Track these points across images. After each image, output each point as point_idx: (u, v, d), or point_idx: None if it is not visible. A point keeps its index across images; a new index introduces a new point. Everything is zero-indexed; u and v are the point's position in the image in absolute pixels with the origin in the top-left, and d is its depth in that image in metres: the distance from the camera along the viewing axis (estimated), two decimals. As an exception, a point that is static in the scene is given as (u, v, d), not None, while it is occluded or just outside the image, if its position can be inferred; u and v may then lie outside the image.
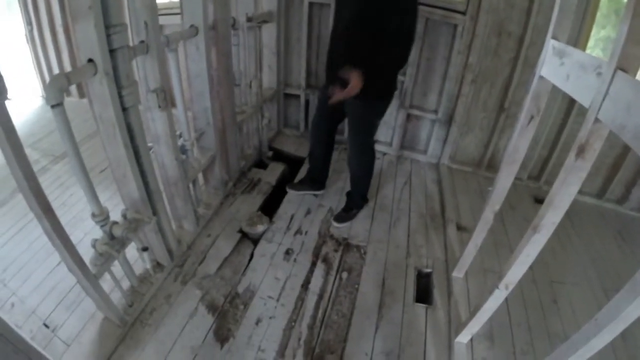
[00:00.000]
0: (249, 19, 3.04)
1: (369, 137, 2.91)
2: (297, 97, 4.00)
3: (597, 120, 1.12)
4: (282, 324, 2.23)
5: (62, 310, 2.24)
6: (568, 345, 1.19)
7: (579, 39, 2.87)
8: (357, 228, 2.97)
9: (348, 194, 3.16)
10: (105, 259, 1.94)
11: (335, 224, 2.99)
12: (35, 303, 2.29)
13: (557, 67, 1.50)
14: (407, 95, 3.61)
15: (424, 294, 2.49)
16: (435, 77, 3.48)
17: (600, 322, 1.06)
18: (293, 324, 2.24)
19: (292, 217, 3.02)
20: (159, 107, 2.14)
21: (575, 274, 2.67)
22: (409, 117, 3.73)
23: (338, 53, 2.57)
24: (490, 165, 3.71)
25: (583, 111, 1.19)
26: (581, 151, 1.24)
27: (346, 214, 3.07)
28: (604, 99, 1.08)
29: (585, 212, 3.27)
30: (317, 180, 3.29)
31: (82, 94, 5.10)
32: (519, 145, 1.88)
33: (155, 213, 2.24)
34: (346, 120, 3.01)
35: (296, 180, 3.44)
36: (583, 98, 1.24)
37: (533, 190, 3.54)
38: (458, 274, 2.52)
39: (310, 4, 3.49)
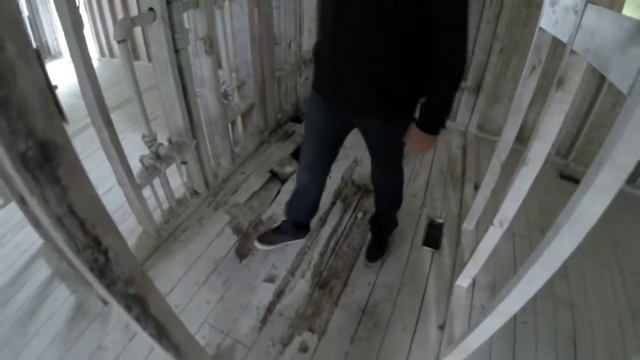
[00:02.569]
0: (289, -17, 3.20)
1: (402, 157, 2.09)
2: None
3: (572, 52, 1.20)
4: (296, 248, 2.43)
5: (106, 228, 2.58)
6: (535, 252, 1.30)
7: None
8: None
9: (374, 221, 2.45)
10: (150, 173, 2.19)
11: (369, 263, 2.36)
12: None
13: (550, 15, 1.57)
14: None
15: (432, 241, 2.57)
16: (465, 45, 3.48)
17: (560, 223, 1.16)
18: (307, 250, 2.43)
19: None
20: (206, 52, 2.36)
21: (589, 249, 2.61)
22: (439, 83, 3.76)
23: (363, 69, 1.60)
24: (518, 137, 3.56)
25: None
26: (561, 82, 1.34)
27: (380, 247, 2.43)
28: (576, 32, 1.16)
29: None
30: (302, 225, 2.46)
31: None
32: (522, 94, 2.00)
33: (195, 138, 2.49)
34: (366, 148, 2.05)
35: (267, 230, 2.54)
36: (564, 36, 1.30)
37: (560, 166, 3.47)
38: (468, 225, 2.60)
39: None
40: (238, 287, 2.21)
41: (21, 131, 0.60)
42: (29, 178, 0.65)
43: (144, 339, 2.00)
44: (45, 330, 2.22)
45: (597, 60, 1.01)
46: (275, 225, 2.51)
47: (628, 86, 0.78)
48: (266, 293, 2.19)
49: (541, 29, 1.73)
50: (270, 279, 2.25)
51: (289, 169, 3.07)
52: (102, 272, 0.87)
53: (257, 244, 2.42)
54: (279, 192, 2.89)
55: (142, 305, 1.05)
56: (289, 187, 2.91)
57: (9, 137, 0.59)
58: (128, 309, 1.00)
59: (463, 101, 3.75)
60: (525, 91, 1.95)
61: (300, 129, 3.71)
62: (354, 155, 3.30)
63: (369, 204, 2.79)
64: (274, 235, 2.44)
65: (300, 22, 3.64)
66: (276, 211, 2.70)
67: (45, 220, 0.72)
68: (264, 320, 2.08)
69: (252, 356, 1.94)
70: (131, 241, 2.39)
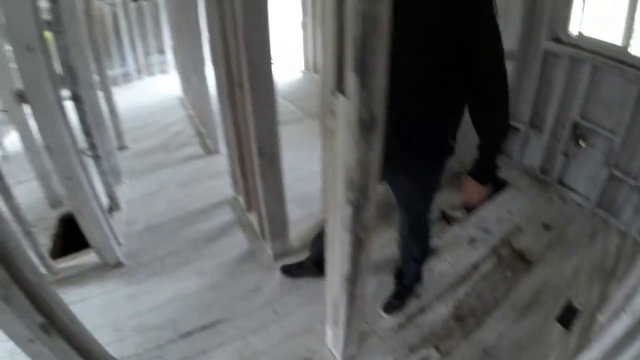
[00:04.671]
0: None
1: (431, 208, 2.22)
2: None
3: None
4: (447, 280, 2.81)
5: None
6: None
7: None
8: (532, 245, 3.20)
9: (399, 276, 2.66)
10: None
11: (383, 314, 2.55)
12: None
13: None
14: (612, 154, 3.42)
15: (565, 320, 2.63)
16: (644, 144, 3.16)
17: None
18: (455, 285, 2.79)
19: (484, 219, 3.44)
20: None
21: None
22: (611, 176, 3.52)
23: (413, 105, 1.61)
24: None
25: None
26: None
27: (399, 302, 2.59)
28: None
29: None
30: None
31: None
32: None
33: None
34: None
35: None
36: None
37: None
38: (603, 317, 2.52)
39: None
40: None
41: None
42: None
43: (298, 296, 2.50)
44: (215, 256, 2.85)
45: None
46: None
47: None
48: (411, 305, 2.62)
49: None
50: (417, 295, 2.68)
51: (457, 214, 3.44)
52: (357, 211, 1.40)
53: (282, 272, 2.80)
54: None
55: (361, 249, 1.55)
56: (453, 230, 3.35)
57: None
58: (352, 246, 1.52)
59: (631, 200, 3.50)
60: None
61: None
62: (518, 221, 3.45)
63: (519, 268, 2.98)
64: (298, 269, 2.77)
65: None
66: (438, 245, 3.13)
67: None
68: (402, 325, 2.50)
69: (382, 348, 2.37)
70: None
